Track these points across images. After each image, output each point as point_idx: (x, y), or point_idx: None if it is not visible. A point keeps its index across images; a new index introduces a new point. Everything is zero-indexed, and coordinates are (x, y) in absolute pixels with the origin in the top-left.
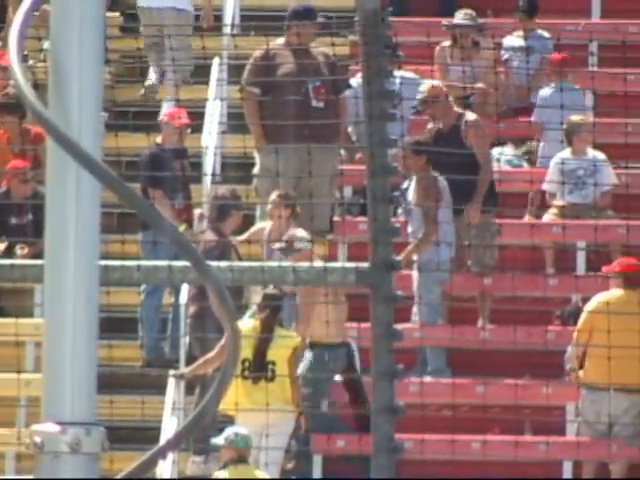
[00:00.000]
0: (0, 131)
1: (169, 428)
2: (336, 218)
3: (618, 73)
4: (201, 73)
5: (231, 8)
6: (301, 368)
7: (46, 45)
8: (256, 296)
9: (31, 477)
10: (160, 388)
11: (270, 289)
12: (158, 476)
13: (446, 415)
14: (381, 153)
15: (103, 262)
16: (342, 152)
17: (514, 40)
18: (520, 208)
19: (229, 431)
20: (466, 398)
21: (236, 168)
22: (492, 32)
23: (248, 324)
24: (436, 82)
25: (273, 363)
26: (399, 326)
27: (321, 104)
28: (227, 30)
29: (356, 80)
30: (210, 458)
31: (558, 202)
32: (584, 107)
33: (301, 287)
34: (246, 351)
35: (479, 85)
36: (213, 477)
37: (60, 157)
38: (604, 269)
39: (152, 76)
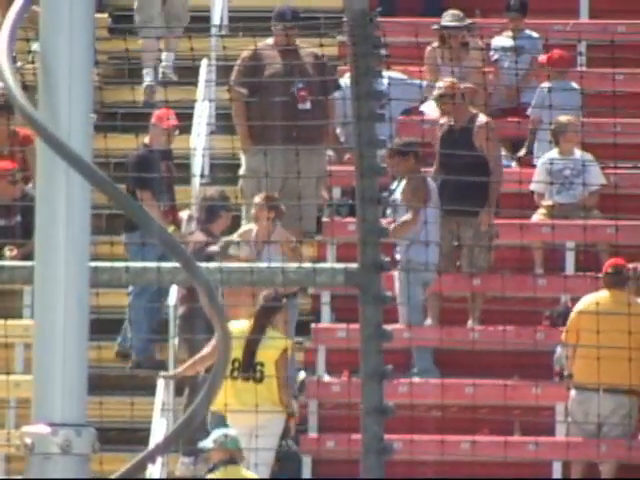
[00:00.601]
0: None
1: (158, 429)
2: (325, 219)
3: (606, 73)
4: (189, 74)
5: (219, 9)
6: None
7: (35, 47)
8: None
9: (22, 478)
10: (149, 389)
11: (269, 290)
12: (147, 477)
13: (435, 416)
14: (370, 154)
15: (92, 263)
16: (330, 153)
17: (503, 40)
18: (509, 209)
19: (218, 432)
20: (455, 399)
21: (224, 169)
22: (480, 32)
23: (241, 325)
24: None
25: (261, 364)
26: (387, 327)
27: (307, 106)
28: (215, 31)
29: (344, 81)
30: (199, 459)
31: (547, 202)
32: (580, 107)
33: (226, 287)
34: (236, 351)
35: (467, 85)
36: (203, 479)
37: (50, 159)
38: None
39: (147, 77)
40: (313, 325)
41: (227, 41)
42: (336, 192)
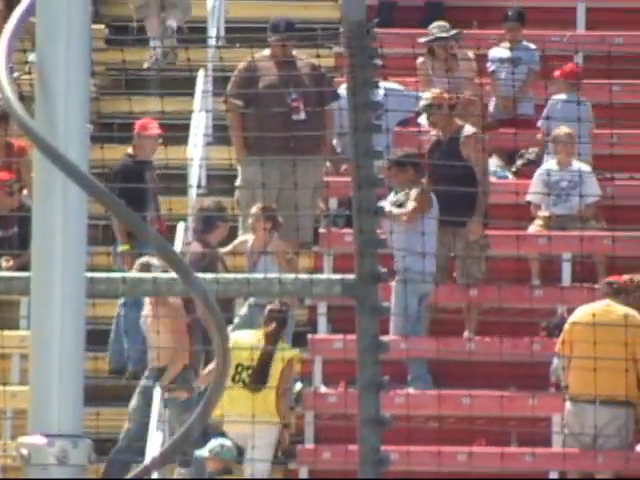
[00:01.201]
0: None
1: (155, 441)
2: (322, 230)
3: (603, 84)
4: (186, 85)
5: (216, 20)
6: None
7: (31, 57)
8: (241, 308)
9: None
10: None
11: (275, 304)
12: None
13: (432, 427)
14: (366, 164)
15: (89, 274)
16: (327, 164)
17: (500, 51)
18: (506, 219)
19: (214, 443)
20: (452, 409)
21: (221, 180)
22: (477, 43)
23: (247, 336)
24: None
25: (253, 369)
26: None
27: (302, 116)
28: (212, 42)
29: (341, 91)
30: (196, 470)
31: (543, 213)
32: (590, 121)
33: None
34: (244, 359)
35: (462, 96)
36: None
37: (47, 170)
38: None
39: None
40: (310, 336)
41: (224, 52)
42: (333, 203)
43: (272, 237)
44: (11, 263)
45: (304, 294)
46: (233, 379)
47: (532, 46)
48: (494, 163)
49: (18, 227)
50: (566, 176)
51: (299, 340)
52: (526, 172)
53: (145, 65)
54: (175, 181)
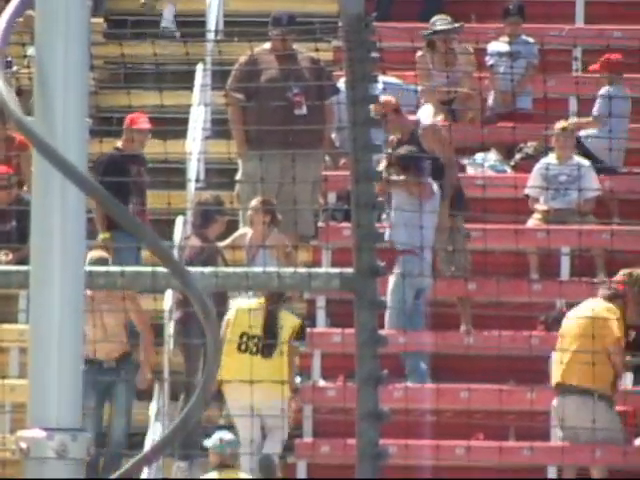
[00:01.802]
0: None
1: (154, 434)
2: (320, 224)
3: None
4: (185, 79)
5: (215, 13)
6: None
7: (30, 51)
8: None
9: None
10: (145, 394)
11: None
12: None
13: (430, 420)
14: (365, 159)
15: (87, 268)
16: (326, 158)
17: (499, 45)
18: (504, 214)
19: (215, 437)
20: (450, 403)
21: (220, 174)
22: (476, 37)
23: (250, 302)
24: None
25: (262, 339)
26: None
27: (303, 111)
28: (211, 36)
29: (341, 85)
30: (194, 463)
31: (542, 207)
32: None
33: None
34: (249, 326)
35: (460, 90)
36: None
37: (45, 164)
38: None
39: None
40: (308, 330)
41: (223, 46)
42: (331, 197)
43: (271, 231)
44: (10, 257)
45: (303, 288)
46: (239, 348)
47: (531, 40)
48: (492, 157)
49: (16, 221)
50: (565, 170)
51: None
52: (524, 166)
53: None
54: (174, 175)
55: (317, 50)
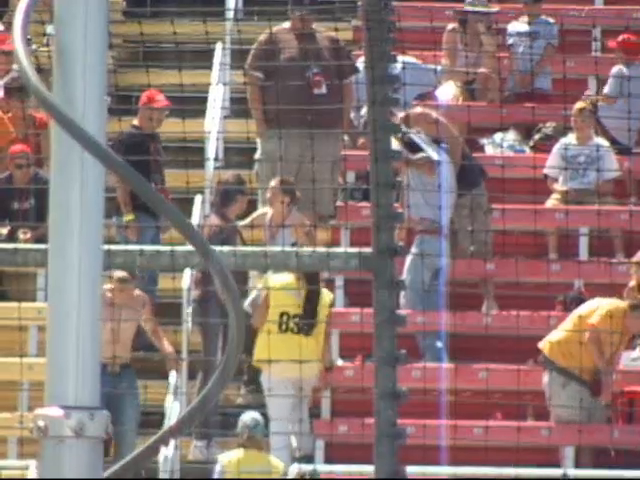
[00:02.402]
0: (5, 116)
1: (172, 413)
2: (339, 203)
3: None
4: (204, 58)
5: None
6: None
7: (49, 29)
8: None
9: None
10: (163, 373)
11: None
12: (161, 461)
13: (448, 400)
14: (384, 138)
15: (106, 246)
16: (345, 137)
17: (519, 26)
18: (523, 194)
19: (249, 416)
20: (468, 384)
21: (238, 153)
22: (496, 17)
23: (282, 279)
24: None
25: (303, 317)
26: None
27: (323, 90)
28: (230, 15)
29: (360, 65)
30: (212, 443)
31: (561, 188)
32: None
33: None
34: (287, 306)
35: (481, 70)
36: (223, 459)
37: (64, 142)
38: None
39: None
40: None
41: (242, 25)
42: (350, 177)
43: (290, 210)
44: (29, 235)
45: (322, 267)
46: (280, 328)
47: (551, 20)
48: (511, 137)
49: (35, 199)
50: (584, 151)
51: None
52: (543, 146)
53: None
54: (192, 154)
55: (337, 30)
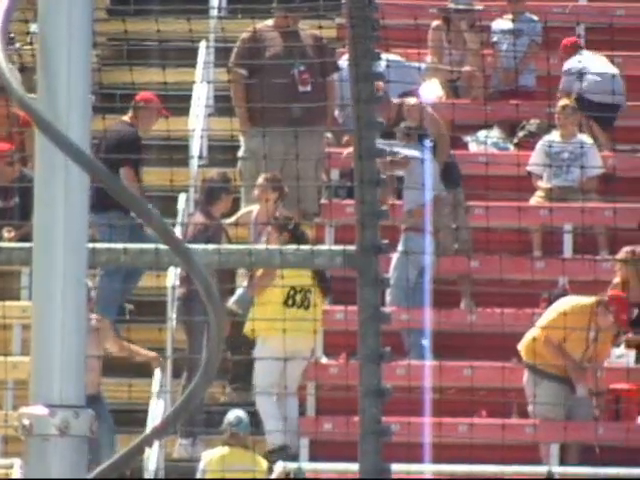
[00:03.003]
0: None
1: (156, 411)
2: (323, 201)
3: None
4: (188, 56)
5: None
6: None
7: (33, 28)
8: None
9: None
10: (147, 371)
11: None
12: (145, 459)
13: (433, 398)
14: (368, 136)
15: (90, 245)
16: (329, 135)
17: (503, 23)
18: (507, 191)
19: (235, 414)
20: (453, 381)
21: (223, 151)
22: (480, 15)
23: None
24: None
25: (309, 291)
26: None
27: (308, 88)
28: (214, 13)
29: (342, 63)
30: (197, 441)
31: (544, 185)
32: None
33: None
34: (295, 281)
35: (465, 68)
36: (206, 456)
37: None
38: None
39: None
40: None
41: (226, 22)
42: (334, 174)
43: (277, 208)
44: (13, 234)
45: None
46: (286, 303)
47: (535, 18)
48: (495, 135)
49: (19, 198)
50: (568, 148)
51: None
52: (527, 144)
53: None
54: (177, 152)
55: (321, 27)
